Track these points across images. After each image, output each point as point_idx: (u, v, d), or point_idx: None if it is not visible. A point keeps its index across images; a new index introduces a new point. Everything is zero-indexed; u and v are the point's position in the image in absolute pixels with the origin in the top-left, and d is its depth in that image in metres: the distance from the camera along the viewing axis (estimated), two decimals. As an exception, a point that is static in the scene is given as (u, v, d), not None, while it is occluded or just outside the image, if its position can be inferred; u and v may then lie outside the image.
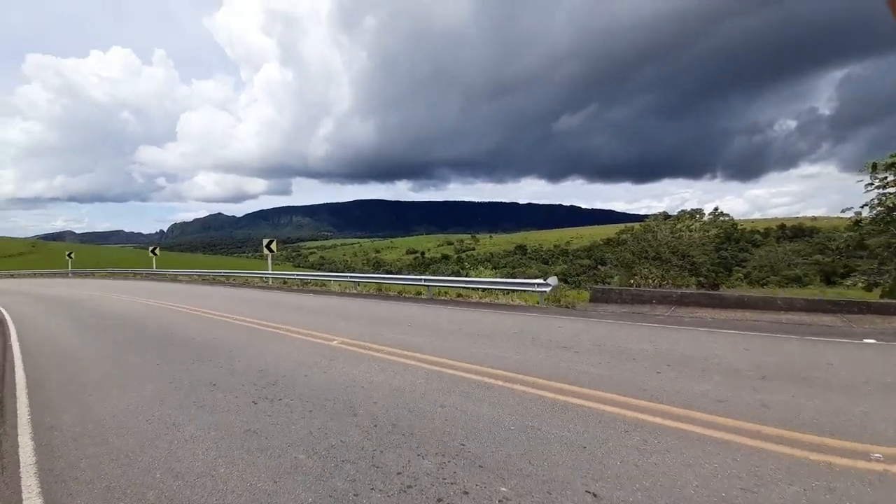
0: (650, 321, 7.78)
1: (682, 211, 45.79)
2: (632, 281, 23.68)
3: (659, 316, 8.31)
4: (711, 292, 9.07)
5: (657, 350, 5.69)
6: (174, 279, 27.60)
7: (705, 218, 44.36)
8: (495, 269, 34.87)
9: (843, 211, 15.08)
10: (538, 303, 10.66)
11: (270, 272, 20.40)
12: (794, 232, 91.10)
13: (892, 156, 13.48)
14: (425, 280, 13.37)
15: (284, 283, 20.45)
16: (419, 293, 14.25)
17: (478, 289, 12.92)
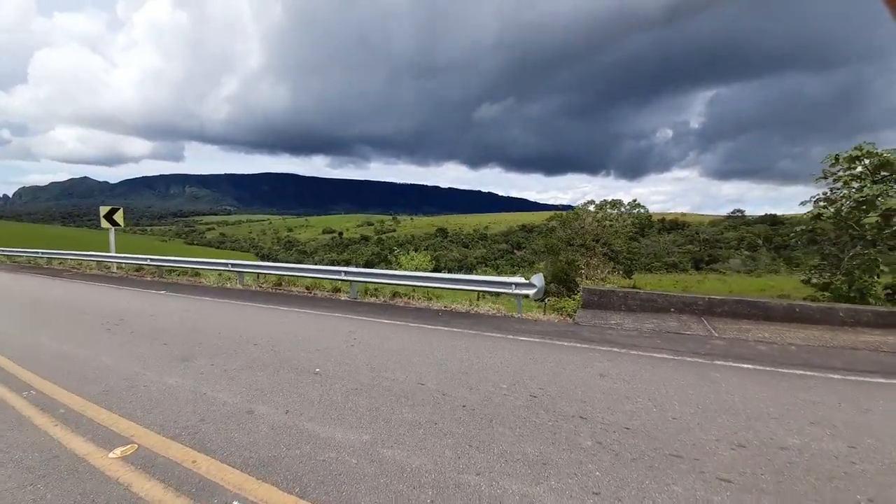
0: (719, 354, 4.90)
1: (604, 200, 46.81)
2: (582, 271, 22.09)
3: (710, 339, 5.55)
4: (750, 299, 6.72)
5: (858, 454, 2.69)
6: (-36, 261, 18.93)
7: (623, 209, 45.92)
8: (427, 251, 31.32)
9: (801, 203, 14.48)
10: (516, 312, 7.38)
11: (113, 255, 14.14)
12: (671, 225, 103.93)
13: (855, 149, 12.92)
14: (346, 273, 9.24)
15: (139, 270, 14.44)
16: (337, 290, 10.10)
17: (420, 287, 9.19)
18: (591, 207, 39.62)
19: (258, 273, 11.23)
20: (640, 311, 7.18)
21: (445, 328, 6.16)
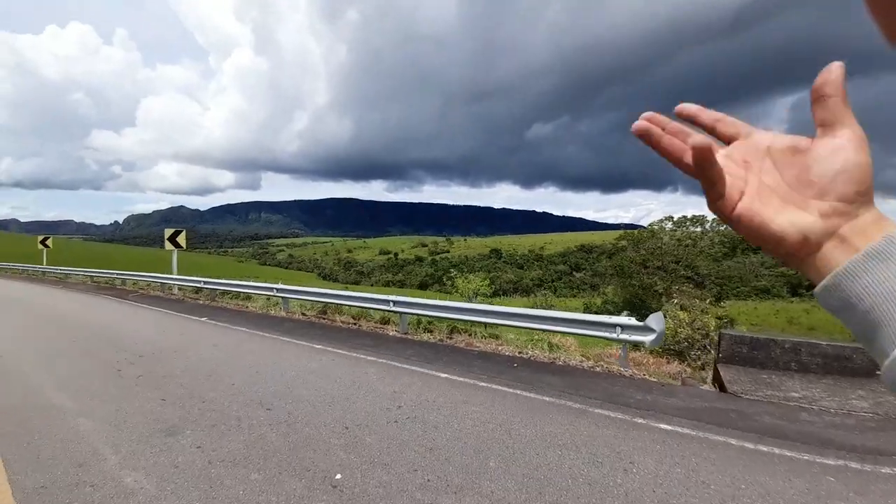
0: None
1: (684, 217, 41.77)
2: (674, 299, 18.95)
3: None
4: None
5: None
6: (57, 281, 20.59)
7: (707, 225, 40.33)
8: (481, 272, 29.37)
9: None
10: (618, 364, 5.32)
11: (174, 277, 14.14)
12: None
13: None
14: (394, 303, 7.75)
15: (197, 291, 14.31)
16: (386, 321, 8.67)
17: (481, 322, 7.37)
18: (669, 225, 35.30)
19: (303, 300, 10.20)
20: (825, 374, 4.78)
21: (529, 394, 4.30)
